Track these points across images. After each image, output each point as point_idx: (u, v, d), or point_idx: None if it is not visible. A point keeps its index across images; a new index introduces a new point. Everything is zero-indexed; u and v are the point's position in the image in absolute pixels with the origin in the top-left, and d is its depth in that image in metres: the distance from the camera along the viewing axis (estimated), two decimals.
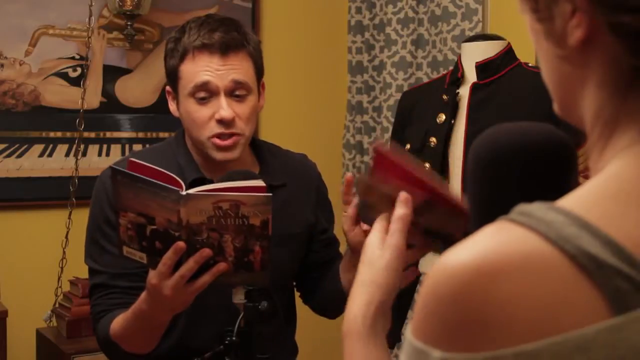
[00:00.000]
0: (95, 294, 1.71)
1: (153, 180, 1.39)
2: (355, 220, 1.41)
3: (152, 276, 1.44)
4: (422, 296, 0.61)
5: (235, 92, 1.69)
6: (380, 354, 0.94)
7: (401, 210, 1.02)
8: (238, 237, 1.41)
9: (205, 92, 1.68)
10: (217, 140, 1.68)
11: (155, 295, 1.46)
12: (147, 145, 2.97)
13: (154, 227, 1.41)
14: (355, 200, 1.26)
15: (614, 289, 0.57)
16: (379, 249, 1.00)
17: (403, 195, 1.03)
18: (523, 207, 0.61)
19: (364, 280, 0.99)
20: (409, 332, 0.63)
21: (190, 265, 1.41)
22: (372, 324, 0.95)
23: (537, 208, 0.61)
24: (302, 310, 1.96)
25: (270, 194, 1.41)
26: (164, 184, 1.39)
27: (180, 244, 1.39)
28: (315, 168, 1.93)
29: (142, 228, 1.42)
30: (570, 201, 0.62)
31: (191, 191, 1.38)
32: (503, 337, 0.57)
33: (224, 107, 1.67)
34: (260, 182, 1.45)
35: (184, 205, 1.37)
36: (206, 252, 1.41)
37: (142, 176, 1.40)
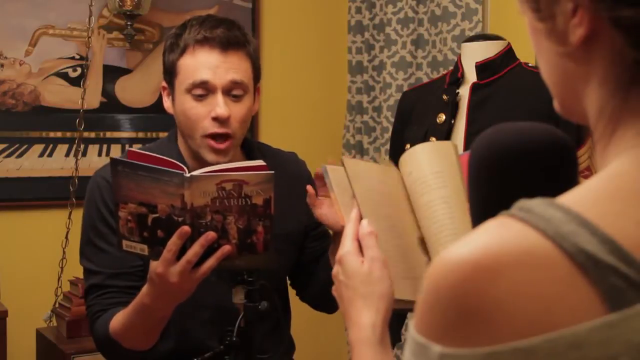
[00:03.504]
0: (92, 295, 1.71)
1: (155, 166, 1.40)
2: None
3: (157, 265, 1.44)
4: (423, 291, 0.62)
5: (233, 91, 1.70)
6: None
7: (367, 228, 1.14)
8: (241, 218, 1.42)
9: (203, 90, 1.68)
10: (212, 142, 1.68)
11: (161, 285, 1.46)
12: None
13: (156, 215, 1.41)
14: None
15: (610, 287, 0.57)
16: (367, 264, 1.10)
17: (356, 213, 1.16)
18: (523, 203, 0.62)
19: (363, 293, 1.06)
20: (411, 327, 0.63)
21: (196, 249, 1.41)
22: (382, 332, 1.04)
23: (537, 204, 0.61)
24: (299, 308, 1.96)
25: (273, 172, 1.42)
26: (166, 169, 1.39)
27: (185, 228, 1.40)
28: (304, 166, 1.94)
29: (143, 218, 1.42)
30: (570, 198, 0.62)
31: (195, 173, 1.39)
32: (501, 333, 0.57)
33: (220, 105, 1.67)
34: (260, 162, 1.46)
35: (188, 187, 1.38)
36: (211, 234, 1.41)
37: (143, 163, 1.40)
